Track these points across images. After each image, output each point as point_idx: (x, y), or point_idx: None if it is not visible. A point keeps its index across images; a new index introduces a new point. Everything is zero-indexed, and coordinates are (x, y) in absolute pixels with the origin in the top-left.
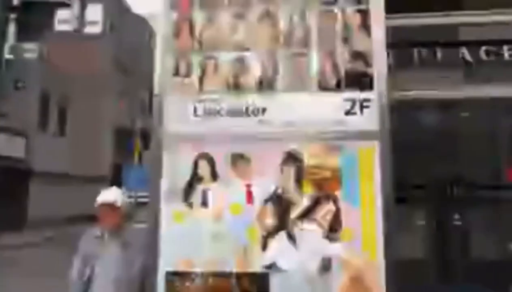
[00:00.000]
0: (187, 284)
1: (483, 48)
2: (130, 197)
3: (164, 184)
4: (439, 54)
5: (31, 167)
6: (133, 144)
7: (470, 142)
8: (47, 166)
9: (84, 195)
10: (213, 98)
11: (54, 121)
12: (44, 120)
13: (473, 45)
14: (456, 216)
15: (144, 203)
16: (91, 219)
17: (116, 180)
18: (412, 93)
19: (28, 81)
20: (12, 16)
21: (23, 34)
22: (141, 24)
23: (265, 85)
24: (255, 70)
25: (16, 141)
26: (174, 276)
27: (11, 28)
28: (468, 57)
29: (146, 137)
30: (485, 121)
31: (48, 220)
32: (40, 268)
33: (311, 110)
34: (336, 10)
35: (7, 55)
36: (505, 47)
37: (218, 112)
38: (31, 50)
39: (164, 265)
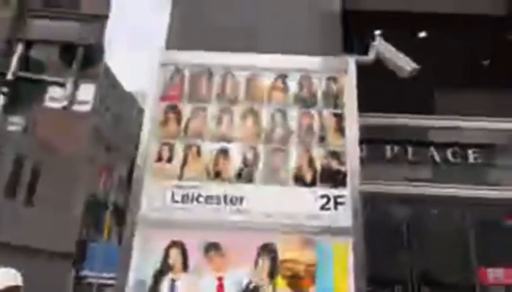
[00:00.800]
0: None
1: (450, 150)
2: (92, 277)
3: (132, 271)
4: (409, 152)
5: None
6: (105, 221)
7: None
8: (9, 236)
9: (46, 272)
10: (192, 184)
11: (24, 190)
12: (13, 188)
13: (441, 146)
14: None
15: (108, 285)
16: None
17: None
18: (382, 187)
19: (4, 148)
20: (3, 89)
21: (11, 107)
22: (129, 101)
23: (244, 176)
24: (236, 161)
25: None
26: None
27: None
28: (436, 157)
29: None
30: (453, 219)
31: None
32: None
33: (287, 203)
34: (314, 112)
35: None
36: (470, 151)
37: (196, 199)
38: (16, 123)
39: None
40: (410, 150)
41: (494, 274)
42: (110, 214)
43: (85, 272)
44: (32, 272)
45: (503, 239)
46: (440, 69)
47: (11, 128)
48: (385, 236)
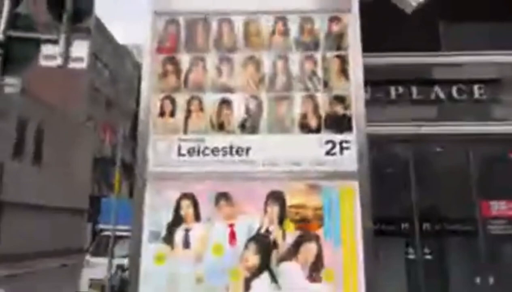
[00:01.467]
0: None
1: (455, 87)
2: (108, 230)
3: (146, 224)
4: (414, 92)
5: (5, 197)
6: (114, 176)
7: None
8: (21, 196)
9: (61, 228)
10: (197, 137)
11: (30, 151)
12: (20, 149)
13: (446, 84)
14: (427, 250)
15: (124, 237)
16: (63, 253)
17: (95, 213)
18: (387, 129)
19: (5, 110)
20: None
21: (6, 68)
22: (125, 56)
23: (249, 126)
24: (239, 112)
25: None
26: None
27: None
28: (441, 95)
29: (127, 169)
30: (457, 156)
31: (18, 254)
32: None
33: (293, 151)
34: (317, 55)
35: None
36: (475, 87)
37: (202, 152)
38: (13, 85)
39: None
40: (414, 89)
41: (498, 206)
42: (118, 169)
43: (101, 226)
44: (50, 228)
45: (508, 173)
46: (443, 4)
47: (9, 90)
48: (391, 177)
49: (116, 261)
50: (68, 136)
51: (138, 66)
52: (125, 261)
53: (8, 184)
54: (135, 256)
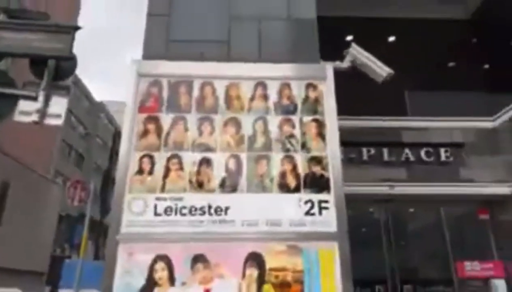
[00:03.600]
0: None
1: (423, 149)
2: None
3: (116, 289)
4: (385, 153)
5: None
6: (79, 235)
7: (416, 237)
8: None
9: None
10: (175, 196)
11: None
12: None
13: (415, 146)
14: None
15: None
16: None
17: (55, 276)
18: (360, 189)
19: None
20: None
21: None
22: (101, 112)
23: (228, 185)
24: (219, 170)
25: None
26: None
27: None
28: (411, 157)
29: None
30: (429, 216)
31: None
32: None
33: (272, 211)
34: (294, 118)
35: None
36: (442, 149)
37: (179, 211)
38: None
39: None
40: (385, 151)
41: (471, 267)
42: (85, 228)
43: (62, 290)
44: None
45: (478, 233)
46: (410, 72)
47: None
48: (366, 237)
49: None
50: (33, 192)
51: (113, 123)
52: None
53: None
54: None
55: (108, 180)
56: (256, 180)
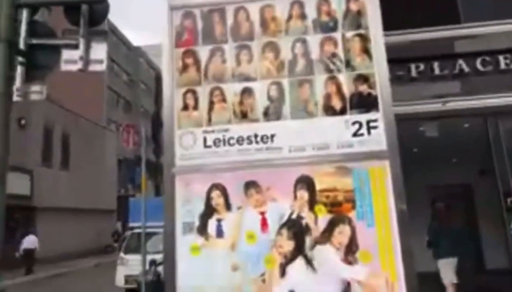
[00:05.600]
0: None
1: (479, 59)
2: (138, 228)
3: (178, 217)
4: (436, 67)
5: (37, 204)
6: (138, 176)
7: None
8: (52, 201)
9: (91, 229)
10: (221, 128)
11: (58, 156)
12: (48, 156)
13: (469, 56)
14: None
15: (154, 233)
16: (97, 252)
17: (123, 212)
18: (410, 108)
19: (30, 118)
20: (19, 59)
21: (30, 75)
22: (140, 57)
23: (272, 113)
24: (261, 99)
25: (20, 178)
26: None
27: (18, 71)
28: (465, 68)
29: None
30: (485, 131)
31: (55, 256)
32: None
33: (319, 135)
34: (336, 36)
35: (15, 98)
36: (501, 56)
37: (227, 142)
38: (37, 92)
39: None
40: (436, 64)
41: None
42: (143, 168)
43: (130, 225)
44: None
45: None
46: None
47: (34, 97)
48: (418, 156)
49: (149, 257)
50: (92, 140)
51: (153, 67)
52: (158, 257)
53: (40, 190)
54: (169, 249)
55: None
56: (299, 105)
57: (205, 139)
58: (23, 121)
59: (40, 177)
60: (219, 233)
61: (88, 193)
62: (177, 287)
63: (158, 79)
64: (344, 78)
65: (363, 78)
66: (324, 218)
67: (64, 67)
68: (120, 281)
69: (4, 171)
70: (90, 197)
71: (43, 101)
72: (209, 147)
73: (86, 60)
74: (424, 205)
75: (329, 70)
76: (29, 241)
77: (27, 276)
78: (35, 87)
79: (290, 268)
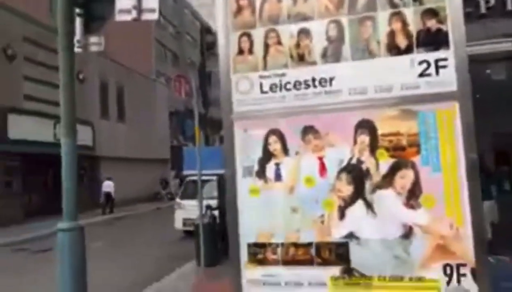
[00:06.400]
0: (268, 254)
1: None
2: (193, 176)
3: (238, 161)
4: (509, 3)
5: (99, 153)
6: (189, 127)
7: None
8: (111, 151)
9: (147, 177)
10: (277, 73)
11: (114, 109)
12: (105, 109)
13: None
14: None
15: (208, 180)
16: (154, 198)
17: (176, 161)
18: (479, 48)
19: (87, 73)
20: (77, 11)
21: (88, 28)
22: (185, 8)
23: (331, 54)
24: (319, 40)
25: (84, 130)
26: (255, 247)
27: (77, 23)
28: None
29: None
30: None
31: (116, 201)
32: (116, 240)
33: (382, 76)
34: None
35: (76, 50)
36: None
37: (284, 87)
38: (96, 43)
39: (244, 237)
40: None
41: None
42: (196, 118)
43: (185, 172)
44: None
45: None
46: None
47: (93, 48)
48: (483, 101)
49: (204, 202)
50: (144, 93)
51: (198, 18)
52: (212, 202)
53: (100, 141)
54: (231, 191)
55: (203, 74)
56: (360, 45)
57: (261, 85)
58: (81, 76)
59: (100, 128)
60: (277, 177)
61: (143, 144)
62: (239, 225)
63: (202, 30)
64: (410, 13)
65: (432, 13)
66: (385, 162)
67: (119, 17)
68: (178, 223)
69: (74, 122)
70: (145, 147)
71: (98, 56)
72: (266, 92)
73: (139, 9)
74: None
75: (393, 5)
76: (108, 186)
77: (104, 215)
78: (94, 39)
79: (349, 211)
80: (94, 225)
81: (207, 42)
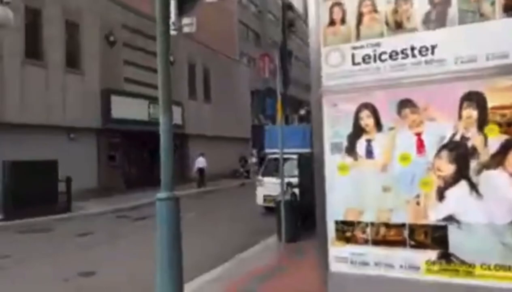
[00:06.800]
0: (357, 233)
1: None
2: (274, 154)
3: (326, 137)
4: None
5: (187, 132)
6: (270, 107)
7: None
8: (198, 130)
9: (230, 154)
10: (372, 43)
11: (201, 90)
12: (193, 90)
13: None
14: None
15: (288, 159)
16: (232, 175)
17: (257, 140)
18: None
19: (176, 55)
20: None
21: (181, 9)
22: None
23: (434, 19)
24: (421, 4)
25: (175, 110)
26: (343, 225)
27: (172, 7)
28: None
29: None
30: None
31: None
32: (206, 212)
33: (495, 42)
34: None
35: (172, 32)
36: None
37: (378, 58)
38: (188, 24)
39: (332, 214)
40: None
41: None
42: (279, 96)
43: (267, 150)
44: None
45: None
46: None
47: (186, 29)
48: None
49: (285, 180)
50: (227, 74)
51: None
52: (292, 180)
53: (189, 120)
54: (319, 168)
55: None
56: (470, 6)
57: (353, 56)
58: (172, 59)
59: (188, 108)
60: (369, 154)
61: (226, 123)
62: (326, 202)
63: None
64: None
65: None
66: (496, 139)
67: None
68: (260, 200)
69: (170, 101)
70: (228, 126)
71: (186, 39)
72: (358, 64)
73: None
74: None
75: None
76: (200, 162)
77: (200, 188)
78: (187, 20)
79: (450, 193)
80: (186, 197)
81: (288, 19)
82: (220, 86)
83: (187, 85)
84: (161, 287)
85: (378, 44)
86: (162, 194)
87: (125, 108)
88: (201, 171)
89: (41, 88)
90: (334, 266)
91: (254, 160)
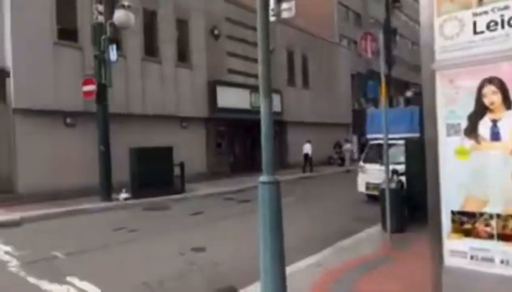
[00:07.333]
0: (478, 225)
1: None
2: (376, 139)
3: (441, 117)
4: None
5: (286, 118)
6: (371, 90)
7: None
8: (297, 116)
9: (329, 141)
10: (499, 6)
11: (299, 77)
12: (292, 77)
13: None
14: None
15: (393, 144)
16: (327, 162)
17: (358, 125)
18: None
19: (276, 43)
20: None
21: None
22: None
23: None
24: None
25: (274, 98)
26: (461, 216)
27: None
28: None
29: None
30: None
31: (300, 162)
32: (308, 195)
33: None
34: None
35: (271, 18)
36: None
37: (507, 23)
38: (287, 9)
39: (448, 204)
40: None
41: None
42: (383, 78)
43: (368, 136)
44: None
45: None
46: None
47: (285, 15)
48: None
49: (390, 167)
50: (326, 58)
51: None
52: (398, 167)
53: (287, 107)
54: (432, 152)
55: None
56: None
57: (474, 24)
58: (271, 47)
59: (287, 95)
60: (495, 136)
61: (325, 108)
62: (441, 190)
63: None
64: None
65: None
66: None
67: None
68: (361, 187)
69: (270, 86)
70: (328, 112)
71: (283, 26)
72: (481, 32)
73: None
74: None
75: None
76: (307, 148)
77: (305, 173)
78: (285, 5)
79: None
80: (285, 182)
81: None
82: (319, 71)
83: (286, 72)
84: (264, 263)
85: (506, 8)
86: (264, 178)
87: (229, 98)
88: (306, 156)
89: (157, 83)
90: (450, 261)
91: (348, 145)
